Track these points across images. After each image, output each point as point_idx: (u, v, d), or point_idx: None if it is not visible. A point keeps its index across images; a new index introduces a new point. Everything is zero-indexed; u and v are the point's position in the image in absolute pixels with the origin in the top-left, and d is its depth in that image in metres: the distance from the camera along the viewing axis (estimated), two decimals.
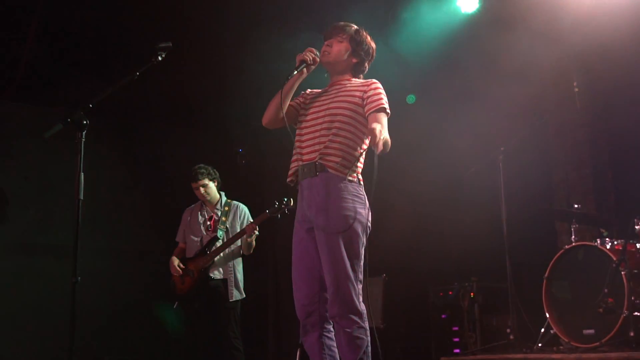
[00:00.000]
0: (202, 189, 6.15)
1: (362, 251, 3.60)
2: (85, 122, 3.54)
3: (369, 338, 3.54)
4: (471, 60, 7.04)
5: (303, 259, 3.69)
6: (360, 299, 3.54)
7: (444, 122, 7.19)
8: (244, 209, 6.24)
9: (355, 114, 3.70)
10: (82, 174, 3.52)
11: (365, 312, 3.55)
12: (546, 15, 6.38)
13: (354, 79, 3.88)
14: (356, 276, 3.53)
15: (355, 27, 3.89)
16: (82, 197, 3.50)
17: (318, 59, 3.78)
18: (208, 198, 6.20)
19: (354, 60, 3.86)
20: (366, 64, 3.92)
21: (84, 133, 3.55)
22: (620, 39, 6.47)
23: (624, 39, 6.49)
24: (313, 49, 3.79)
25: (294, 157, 3.77)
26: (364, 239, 3.61)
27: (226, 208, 6.20)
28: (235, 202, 6.28)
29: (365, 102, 3.70)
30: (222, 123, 8.34)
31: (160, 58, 3.84)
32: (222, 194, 6.30)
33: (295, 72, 3.72)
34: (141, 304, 7.40)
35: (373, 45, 3.93)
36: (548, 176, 7.62)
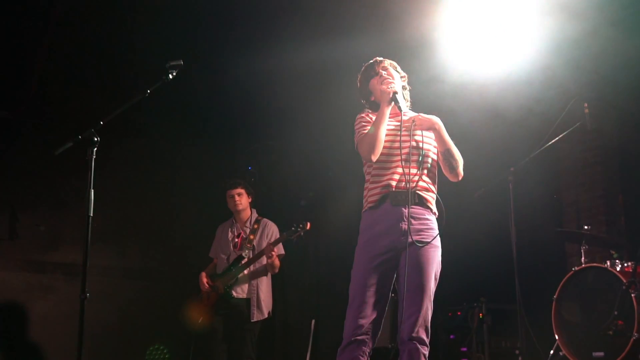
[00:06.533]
0: (236, 197, 6.15)
1: None
2: (95, 139, 3.56)
3: None
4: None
5: (380, 285, 3.73)
6: None
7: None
8: (272, 227, 6.22)
9: (436, 150, 3.91)
10: (92, 190, 3.53)
11: None
12: (557, 35, 6.38)
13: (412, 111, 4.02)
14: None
15: (394, 63, 4.03)
16: (91, 214, 3.52)
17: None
18: (240, 207, 6.19)
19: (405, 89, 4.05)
20: None
21: (94, 150, 3.57)
22: (631, 58, 6.46)
23: (635, 58, 6.47)
24: (391, 80, 3.86)
25: (380, 183, 3.79)
26: None
27: (255, 226, 6.18)
28: (265, 219, 6.26)
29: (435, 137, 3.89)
30: (232, 140, 8.35)
31: (171, 76, 3.86)
32: (254, 210, 6.30)
33: (394, 104, 3.77)
34: (150, 322, 7.38)
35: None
36: (558, 197, 7.58)
